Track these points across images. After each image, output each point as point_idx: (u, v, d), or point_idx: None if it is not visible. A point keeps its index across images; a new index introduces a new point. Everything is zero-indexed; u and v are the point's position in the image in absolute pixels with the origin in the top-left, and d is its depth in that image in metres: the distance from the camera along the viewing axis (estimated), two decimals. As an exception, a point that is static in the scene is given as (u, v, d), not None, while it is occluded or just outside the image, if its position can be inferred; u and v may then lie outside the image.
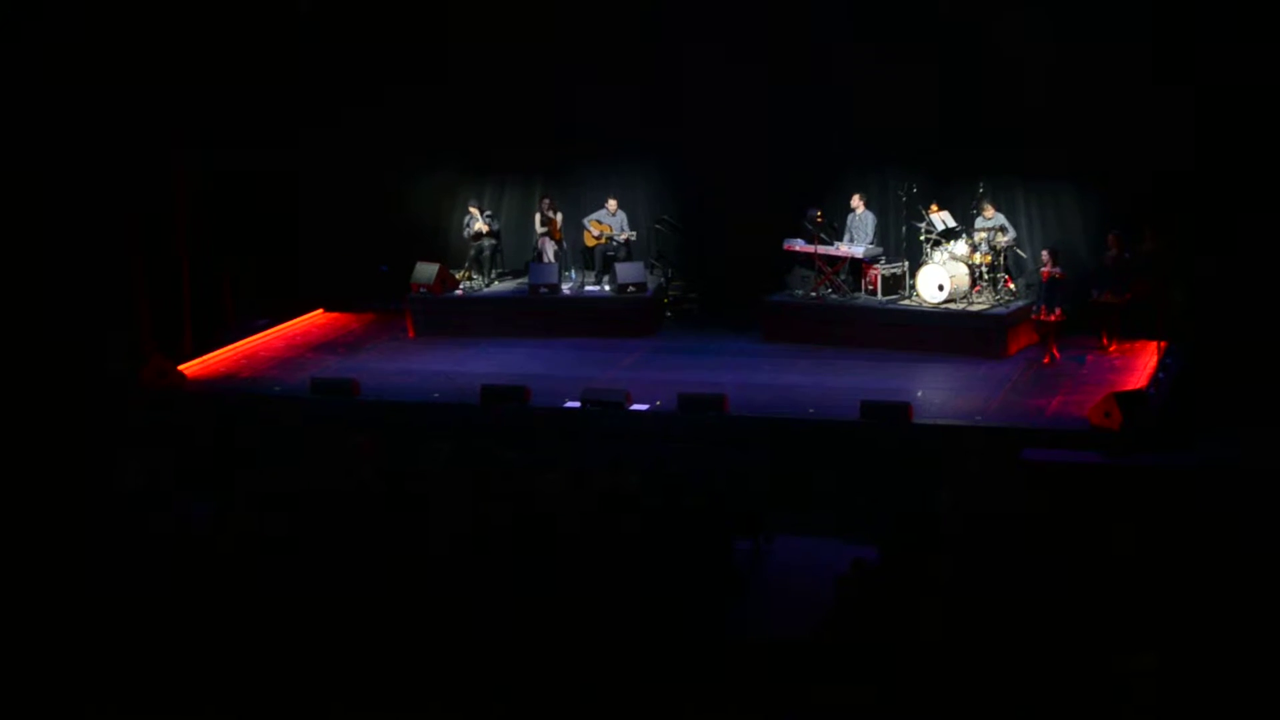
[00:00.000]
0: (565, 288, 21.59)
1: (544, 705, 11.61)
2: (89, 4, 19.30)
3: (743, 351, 20.28)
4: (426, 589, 13.10)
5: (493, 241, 21.97)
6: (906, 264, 20.34)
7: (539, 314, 21.31)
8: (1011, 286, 20.01)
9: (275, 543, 13.84)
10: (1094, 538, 13.31)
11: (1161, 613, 11.85)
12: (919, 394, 17.77)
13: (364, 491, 14.90)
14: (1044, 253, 19.48)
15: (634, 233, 21.78)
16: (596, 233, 21.83)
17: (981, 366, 18.98)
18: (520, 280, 22.02)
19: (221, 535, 14.16)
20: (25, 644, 12.45)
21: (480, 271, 21.96)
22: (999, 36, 19.92)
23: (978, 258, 19.78)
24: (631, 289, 21.22)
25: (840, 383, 18.50)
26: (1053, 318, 18.99)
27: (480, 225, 21.78)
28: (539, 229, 21.86)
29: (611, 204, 21.74)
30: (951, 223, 20.07)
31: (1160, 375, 17.89)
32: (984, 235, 19.85)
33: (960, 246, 19.85)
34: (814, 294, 20.58)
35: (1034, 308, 19.41)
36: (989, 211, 19.95)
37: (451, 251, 22.42)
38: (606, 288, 21.59)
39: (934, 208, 20.16)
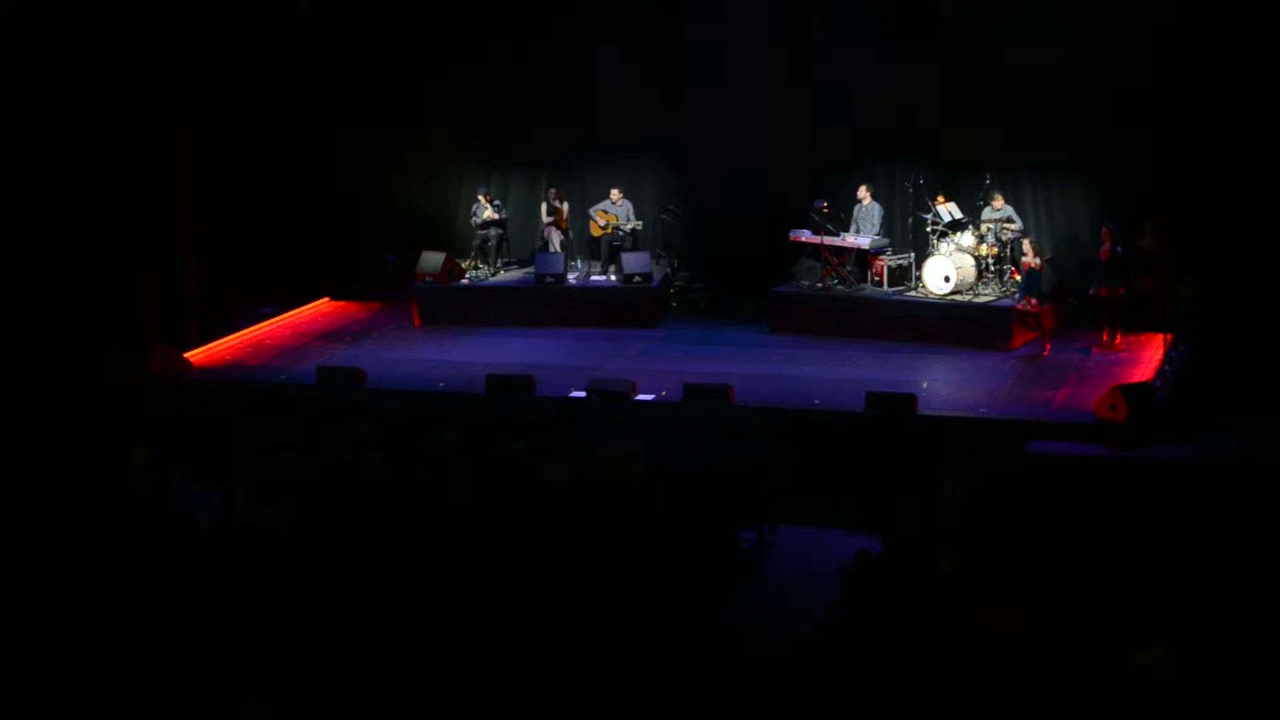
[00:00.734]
0: (571, 277, 21.58)
1: (546, 697, 11.61)
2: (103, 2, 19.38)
3: (748, 342, 20.28)
4: (428, 578, 13.11)
5: (499, 231, 21.96)
6: (913, 255, 20.33)
7: (545, 303, 21.29)
8: (1018, 278, 19.98)
9: (280, 533, 13.86)
10: (1100, 531, 13.32)
11: (1170, 606, 11.84)
12: (924, 385, 17.76)
13: (369, 479, 14.92)
14: (1025, 242, 19.39)
15: (640, 222, 21.77)
16: (603, 222, 21.82)
17: (987, 358, 18.97)
18: (526, 270, 22.01)
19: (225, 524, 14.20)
20: (33, 641, 12.46)
21: (486, 261, 21.96)
22: (1005, 31, 19.93)
23: (984, 249, 19.76)
24: (637, 279, 21.21)
25: (846, 374, 18.49)
26: (1034, 308, 18.96)
27: (489, 213, 21.78)
28: (545, 218, 21.85)
29: (615, 194, 21.72)
30: (958, 214, 20.04)
31: (1166, 368, 17.88)
32: (990, 227, 19.83)
33: (967, 238, 19.83)
34: (820, 285, 20.57)
35: (1016, 298, 19.32)
36: (998, 202, 19.93)
37: (457, 241, 22.43)
38: (612, 277, 21.58)
39: (941, 199, 20.14)
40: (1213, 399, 16.64)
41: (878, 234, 20.44)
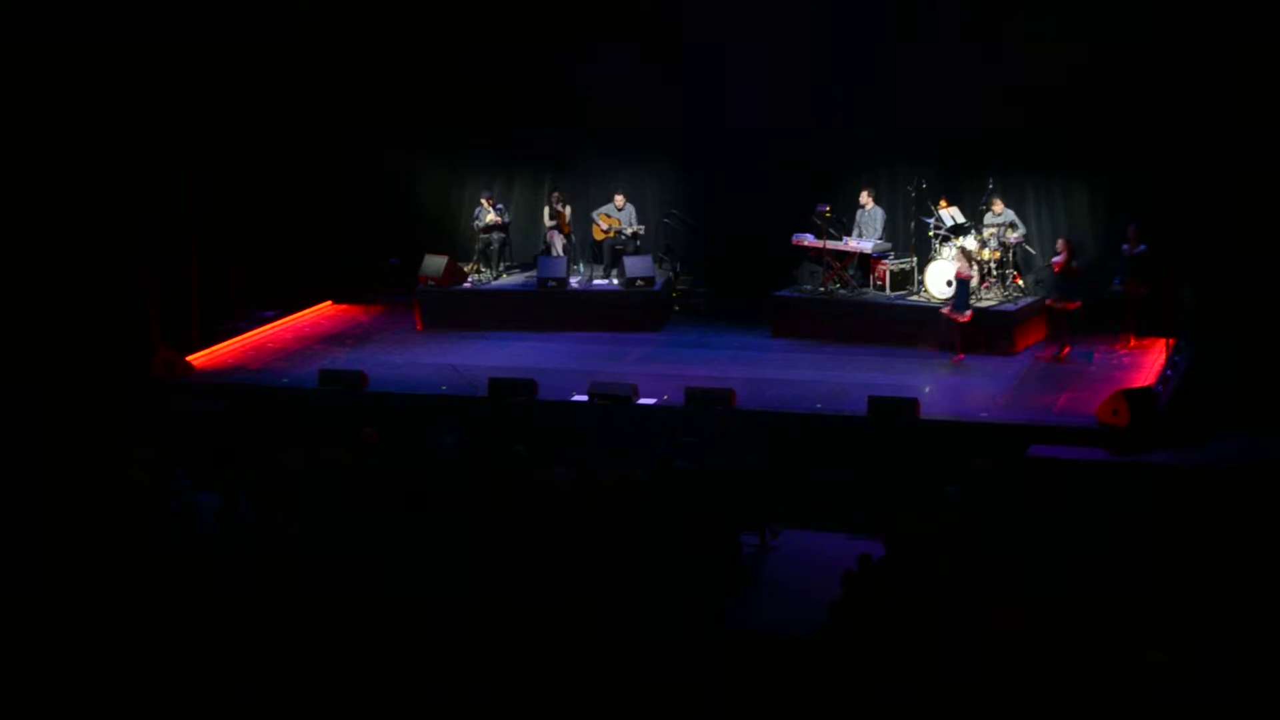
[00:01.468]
0: (573, 281, 21.58)
1: (547, 701, 11.61)
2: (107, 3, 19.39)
3: (751, 346, 20.27)
4: (431, 583, 13.12)
5: (501, 235, 21.96)
6: (915, 259, 20.32)
7: (547, 307, 21.28)
8: (1020, 283, 19.98)
9: (283, 536, 13.86)
10: (1102, 535, 13.32)
11: (1172, 610, 11.85)
12: (926, 390, 17.75)
13: (371, 483, 14.93)
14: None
15: (642, 226, 21.78)
16: (605, 226, 21.83)
17: (989, 363, 18.96)
18: (529, 273, 22.01)
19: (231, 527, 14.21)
20: (31, 640, 12.47)
21: (488, 265, 21.96)
22: (1008, 32, 19.94)
23: (986, 254, 19.75)
24: (640, 283, 21.21)
25: (848, 378, 18.47)
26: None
27: (491, 217, 21.78)
28: (548, 222, 21.85)
29: (619, 198, 21.73)
30: (961, 218, 20.04)
31: (1168, 372, 17.86)
32: (993, 231, 19.82)
33: (969, 242, 19.82)
34: (822, 289, 20.56)
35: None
36: (998, 207, 19.93)
37: (460, 244, 22.43)
38: (615, 282, 21.58)
39: (943, 203, 20.14)
40: (1215, 403, 16.62)
41: (880, 238, 20.44)
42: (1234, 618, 11.67)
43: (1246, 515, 14.00)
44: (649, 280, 21.26)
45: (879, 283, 20.29)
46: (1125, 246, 19.03)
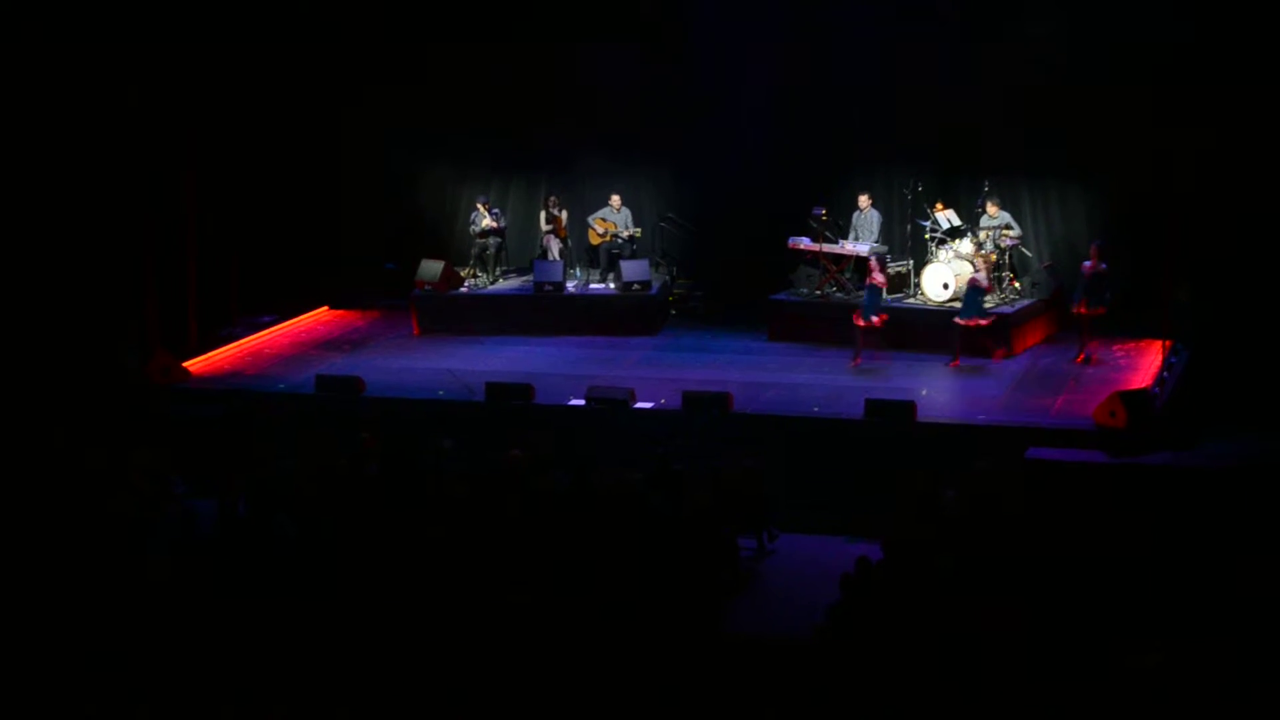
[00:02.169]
0: (570, 285, 21.59)
1: (546, 704, 11.61)
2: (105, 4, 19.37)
3: (747, 349, 20.28)
4: (428, 584, 13.11)
5: (497, 239, 21.97)
6: (911, 262, 20.32)
7: (544, 311, 21.29)
8: (1016, 285, 19.99)
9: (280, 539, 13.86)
10: (1099, 537, 13.32)
11: (1168, 612, 11.84)
12: (923, 392, 17.76)
13: (368, 487, 14.92)
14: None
15: (639, 230, 21.79)
16: (601, 230, 21.83)
17: (986, 365, 18.97)
18: (525, 278, 22.01)
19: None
20: (31, 640, 12.46)
21: (485, 269, 21.96)
22: (1004, 35, 19.96)
23: (982, 257, 19.74)
24: (636, 287, 21.21)
25: (845, 381, 18.49)
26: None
27: (488, 221, 21.79)
28: (544, 226, 21.86)
29: (615, 200, 21.74)
30: (957, 221, 20.05)
31: (1165, 374, 17.87)
32: (989, 234, 19.83)
33: (965, 245, 19.83)
34: (819, 292, 20.57)
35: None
36: (992, 210, 19.93)
37: (456, 249, 22.43)
38: (611, 285, 21.58)
39: (939, 206, 20.15)
40: (1212, 404, 16.63)
41: (877, 241, 20.45)
42: (1234, 618, 11.67)
43: (1244, 515, 14.00)
44: (645, 284, 21.26)
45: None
46: (1087, 264, 18.75)
